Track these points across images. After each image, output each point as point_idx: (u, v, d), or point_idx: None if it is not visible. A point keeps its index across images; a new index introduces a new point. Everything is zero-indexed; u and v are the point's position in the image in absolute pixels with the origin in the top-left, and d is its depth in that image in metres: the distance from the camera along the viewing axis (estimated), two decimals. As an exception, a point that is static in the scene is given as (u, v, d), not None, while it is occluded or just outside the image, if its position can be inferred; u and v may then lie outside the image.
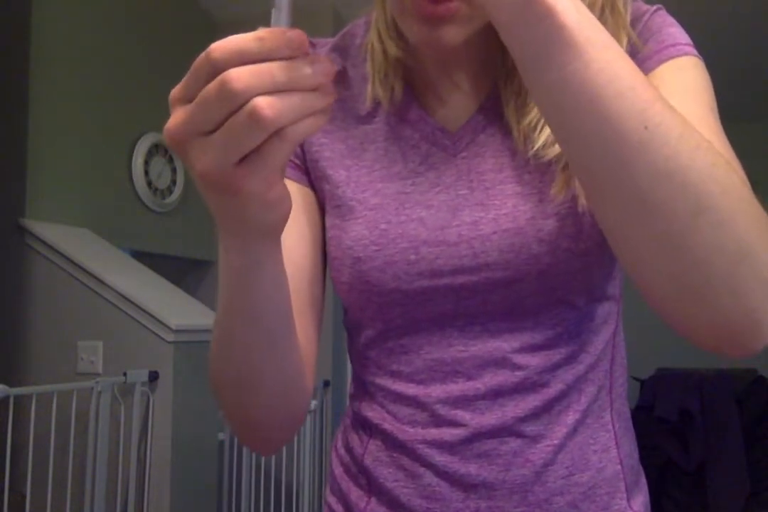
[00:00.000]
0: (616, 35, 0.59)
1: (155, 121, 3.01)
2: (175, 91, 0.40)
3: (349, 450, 0.73)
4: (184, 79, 0.40)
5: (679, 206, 0.42)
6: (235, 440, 2.75)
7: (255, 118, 0.37)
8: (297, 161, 0.70)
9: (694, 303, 0.46)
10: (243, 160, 0.39)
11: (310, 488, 2.87)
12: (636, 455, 0.73)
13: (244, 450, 2.74)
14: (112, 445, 2.17)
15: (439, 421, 0.65)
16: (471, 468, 0.64)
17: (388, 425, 0.68)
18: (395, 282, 0.63)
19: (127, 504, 2.21)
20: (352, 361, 0.74)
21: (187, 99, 0.39)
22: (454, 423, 0.64)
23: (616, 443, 0.68)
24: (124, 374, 2.15)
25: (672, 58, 0.61)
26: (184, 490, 2.29)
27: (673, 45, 0.61)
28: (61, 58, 2.58)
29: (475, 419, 0.64)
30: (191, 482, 2.33)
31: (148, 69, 3.00)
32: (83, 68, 2.68)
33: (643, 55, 0.61)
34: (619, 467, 0.68)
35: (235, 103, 0.37)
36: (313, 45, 0.71)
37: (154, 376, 2.23)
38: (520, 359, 0.64)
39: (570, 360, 0.65)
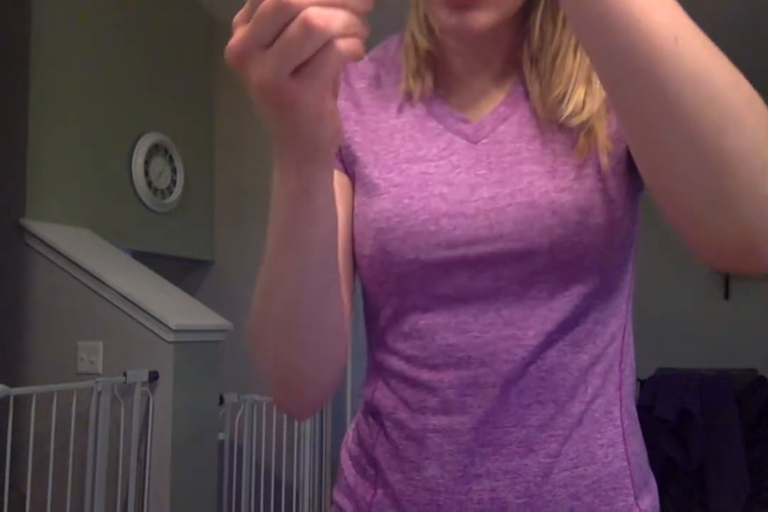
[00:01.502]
0: None
1: (155, 121, 3.02)
2: (237, 16, 0.45)
3: (360, 442, 0.75)
4: (245, 5, 0.44)
5: (707, 114, 0.45)
6: (235, 440, 2.75)
7: (307, 26, 0.41)
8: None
9: (719, 213, 0.48)
10: (296, 73, 0.43)
11: (310, 488, 2.87)
12: (645, 457, 0.73)
13: (244, 450, 2.74)
14: (112, 445, 2.17)
15: (448, 408, 0.67)
16: (476, 458, 0.66)
17: (401, 413, 0.69)
18: (414, 253, 0.66)
19: (127, 504, 2.21)
20: (369, 349, 0.76)
21: (247, 21, 0.44)
22: (462, 411, 0.66)
23: (624, 439, 0.69)
24: (124, 374, 2.15)
25: None
26: (184, 490, 2.29)
27: None
28: (62, 58, 2.58)
29: (483, 407, 0.65)
30: (191, 482, 2.33)
31: (148, 69, 3.00)
32: (83, 68, 2.68)
33: None
34: (625, 463, 0.68)
35: (290, 14, 0.41)
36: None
37: (154, 376, 2.23)
38: (531, 347, 0.65)
39: (575, 348, 0.67)
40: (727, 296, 4.14)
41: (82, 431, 2.09)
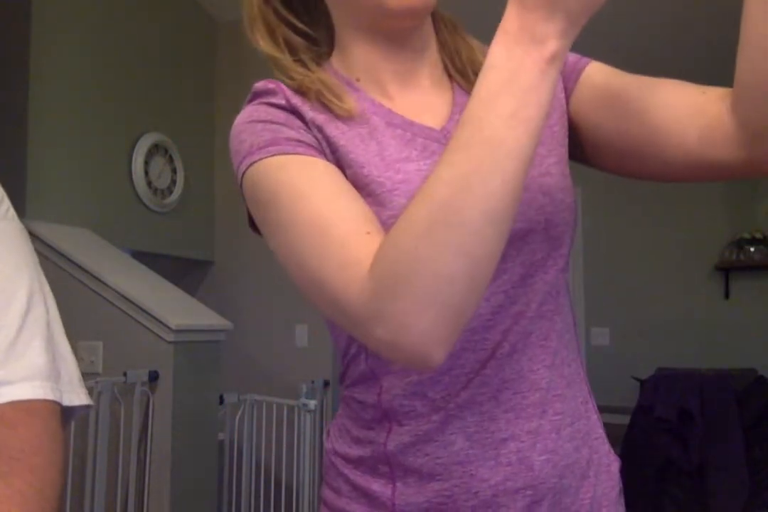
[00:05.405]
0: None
1: (155, 121, 3.02)
2: None
3: (362, 445, 0.74)
4: None
5: None
6: (235, 440, 2.75)
7: None
8: (317, 146, 0.71)
9: None
10: None
11: (310, 488, 2.86)
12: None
13: (244, 450, 2.74)
14: (112, 445, 2.17)
15: (466, 384, 0.70)
16: (501, 423, 0.70)
17: (418, 406, 0.71)
18: None
19: (127, 504, 2.21)
20: (366, 358, 0.75)
21: None
22: (482, 383, 0.70)
23: (590, 395, 0.79)
24: (124, 374, 2.15)
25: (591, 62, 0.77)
26: (184, 490, 2.29)
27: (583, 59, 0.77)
28: (62, 58, 2.58)
29: (500, 375, 0.70)
30: (191, 482, 2.33)
31: (148, 69, 3.00)
32: (83, 68, 2.68)
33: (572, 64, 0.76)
34: (596, 416, 0.78)
35: None
36: (275, 91, 0.74)
37: (154, 376, 2.23)
38: (535, 319, 0.72)
39: (555, 316, 0.74)
40: (727, 296, 4.14)
41: (82, 431, 2.09)
